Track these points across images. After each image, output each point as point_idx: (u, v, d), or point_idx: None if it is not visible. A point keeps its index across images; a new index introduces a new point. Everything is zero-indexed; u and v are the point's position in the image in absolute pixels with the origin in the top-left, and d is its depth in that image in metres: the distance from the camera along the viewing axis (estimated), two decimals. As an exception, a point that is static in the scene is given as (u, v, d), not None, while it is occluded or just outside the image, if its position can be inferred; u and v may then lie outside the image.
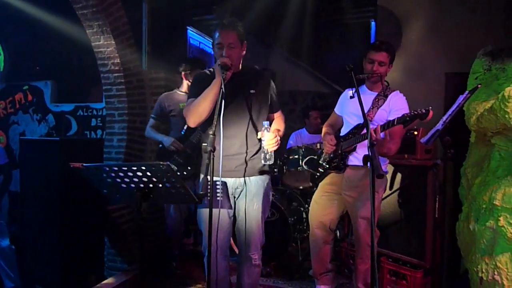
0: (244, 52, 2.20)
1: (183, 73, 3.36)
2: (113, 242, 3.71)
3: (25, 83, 5.29)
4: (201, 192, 1.75)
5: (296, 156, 3.42)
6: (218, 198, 2.10)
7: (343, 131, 2.68)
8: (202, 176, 2.04)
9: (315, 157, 3.32)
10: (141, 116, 3.80)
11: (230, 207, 2.23)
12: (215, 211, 2.01)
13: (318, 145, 3.49)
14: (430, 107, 2.03)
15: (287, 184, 3.71)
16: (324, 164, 2.71)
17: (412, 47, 3.65)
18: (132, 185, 1.82)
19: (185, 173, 3.16)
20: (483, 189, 2.39)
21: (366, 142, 1.93)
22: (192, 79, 2.45)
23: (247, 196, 2.22)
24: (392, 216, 3.05)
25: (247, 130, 2.19)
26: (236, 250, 3.03)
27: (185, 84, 3.39)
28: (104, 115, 3.99)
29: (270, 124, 2.30)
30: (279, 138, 2.08)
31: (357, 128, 2.53)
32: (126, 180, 1.80)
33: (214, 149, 1.81)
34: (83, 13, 3.44)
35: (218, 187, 2.10)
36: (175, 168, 2.97)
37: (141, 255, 2.32)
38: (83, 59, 4.41)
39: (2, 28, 5.14)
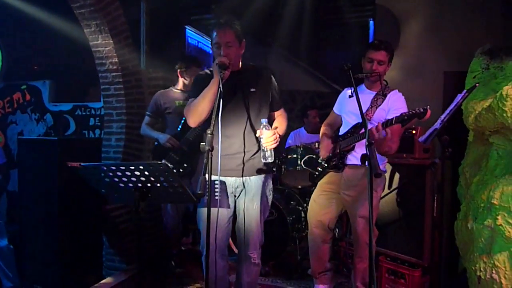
0: (243, 50, 2.20)
1: (178, 70, 3.36)
2: (112, 242, 3.71)
3: (23, 83, 5.28)
4: (199, 192, 1.74)
5: (295, 155, 3.42)
6: (216, 198, 2.10)
7: (342, 130, 2.68)
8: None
9: (314, 156, 3.32)
10: (139, 116, 3.79)
11: (229, 206, 2.22)
12: (213, 210, 2.01)
13: (316, 144, 3.49)
14: (428, 106, 2.03)
15: (286, 183, 3.71)
16: (322, 163, 2.71)
17: (410, 46, 3.65)
18: (130, 185, 1.82)
19: (181, 170, 3.16)
20: (481, 188, 2.39)
21: (364, 141, 1.93)
22: (193, 79, 2.45)
23: (247, 195, 2.22)
24: (390, 215, 3.06)
25: (247, 129, 2.19)
26: (235, 250, 3.03)
27: (181, 81, 3.39)
28: (102, 114, 3.98)
29: (272, 123, 2.30)
30: (278, 135, 2.07)
31: (356, 127, 2.53)
32: (124, 179, 1.80)
33: (212, 149, 1.80)
34: (81, 13, 3.44)
35: (216, 186, 2.10)
36: (171, 165, 2.98)
37: (140, 255, 2.32)
38: (81, 59, 4.40)
39: (0, 28, 5.12)
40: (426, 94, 3.36)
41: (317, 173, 2.78)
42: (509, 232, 2.10)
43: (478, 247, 2.26)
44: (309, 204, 2.80)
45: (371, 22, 4.22)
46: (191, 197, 1.84)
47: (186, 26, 4.54)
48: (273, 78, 2.31)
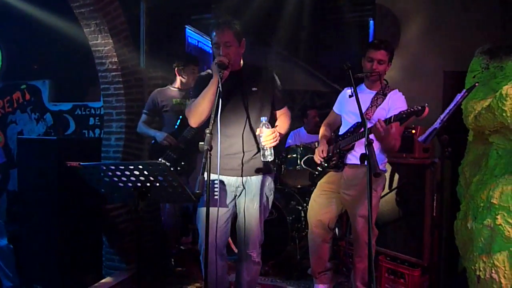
0: (243, 50, 2.19)
1: (176, 69, 3.36)
2: (111, 241, 3.71)
3: (23, 82, 5.28)
4: (198, 191, 1.74)
5: (295, 155, 3.42)
6: (215, 197, 2.10)
7: (342, 130, 2.68)
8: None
9: (314, 156, 3.32)
10: (139, 115, 3.78)
11: (228, 206, 2.22)
12: (213, 209, 2.01)
13: (316, 144, 3.48)
14: (426, 104, 2.03)
15: (286, 183, 3.71)
16: (322, 163, 2.71)
17: (410, 45, 3.65)
18: (130, 184, 1.82)
19: (178, 168, 3.15)
20: (481, 188, 2.39)
21: (364, 140, 1.94)
22: (195, 79, 2.45)
23: (247, 195, 2.22)
24: (390, 215, 3.05)
25: (248, 128, 2.18)
26: (235, 249, 3.03)
27: (178, 80, 3.38)
28: (102, 114, 3.98)
29: (275, 121, 2.30)
30: (278, 134, 2.06)
31: (356, 127, 2.53)
32: (124, 179, 1.80)
33: (211, 148, 1.80)
34: (81, 12, 3.44)
35: (216, 186, 2.10)
36: (169, 164, 2.99)
37: (139, 254, 2.32)
38: (81, 58, 4.40)
39: (0, 28, 5.12)
40: (425, 93, 3.35)
41: (317, 172, 2.78)
42: (508, 231, 2.10)
43: (478, 246, 2.26)
44: (309, 203, 2.80)
45: (371, 22, 4.21)
46: (190, 196, 1.84)
47: (186, 26, 4.54)
48: (275, 76, 2.30)
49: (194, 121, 2.15)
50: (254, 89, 2.19)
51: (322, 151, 2.60)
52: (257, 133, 2.09)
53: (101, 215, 3.61)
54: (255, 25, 4.21)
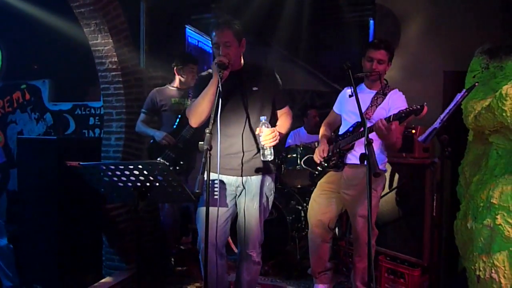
0: (243, 49, 2.19)
1: (175, 68, 3.35)
2: (111, 241, 3.71)
3: (23, 82, 5.28)
4: (197, 191, 1.74)
5: (295, 155, 3.42)
6: (216, 197, 2.10)
7: (342, 130, 2.68)
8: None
9: (314, 155, 3.32)
10: (139, 115, 3.79)
11: (227, 205, 2.22)
12: (213, 209, 2.01)
13: (316, 144, 3.48)
14: (425, 103, 2.04)
15: (286, 182, 3.71)
16: (322, 162, 2.70)
17: (410, 45, 3.65)
18: (129, 184, 1.82)
19: (177, 168, 3.15)
20: (481, 188, 2.39)
21: (363, 139, 1.94)
22: (196, 79, 2.45)
23: (247, 195, 2.22)
24: (390, 215, 3.05)
25: (248, 128, 2.18)
26: (235, 249, 3.03)
27: (177, 79, 3.38)
28: (102, 113, 3.98)
29: (276, 121, 2.29)
30: (277, 133, 2.05)
31: (355, 126, 2.53)
32: (123, 178, 1.80)
33: (210, 148, 1.80)
34: (80, 12, 3.43)
35: (216, 185, 2.10)
36: (168, 163, 2.99)
37: (139, 254, 2.33)
38: (81, 58, 4.40)
39: (0, 27, 5.12)
40: (425, 93, 3.34)
41: (316, 172, 2.78)
42: (508, 231, 2.10)
43: (478, 246, 2.26)
44: (309, 203, 2.80)
45: (371, 22, 4.21)
46: (189, 196, 1.84)
47: (186, 26, 4.54)
48: (276, 76, 2.30)
49: (195, 121, 2.15)
50: (254, 88, 2.19)
51: (323, 151, 2.60)
52: (256, 133, 2.09)
53: (101, 215, 3.61)
54: (255, 25, 4.21)
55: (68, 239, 3.55)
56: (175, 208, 3.39)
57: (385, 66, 2.49)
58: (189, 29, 4.59)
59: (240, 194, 2.25)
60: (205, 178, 1.79)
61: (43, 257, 3.63)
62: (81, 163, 1.79)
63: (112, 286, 3.19)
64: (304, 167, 3.33)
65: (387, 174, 3.00)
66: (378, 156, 2.36)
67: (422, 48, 3.60)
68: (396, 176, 3.06)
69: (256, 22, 4.07)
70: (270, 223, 3.17)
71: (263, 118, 2.05)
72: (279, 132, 2.09)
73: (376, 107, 2.50)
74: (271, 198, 2.33)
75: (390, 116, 2.16)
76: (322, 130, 2.76)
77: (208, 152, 1.79)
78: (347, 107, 2.62)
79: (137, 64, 3.82)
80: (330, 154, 2.64)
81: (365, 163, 1.72)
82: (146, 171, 1.74)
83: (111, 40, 3.53)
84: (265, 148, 2.04)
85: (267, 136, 2.01)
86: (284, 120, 2.32)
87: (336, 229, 3.39)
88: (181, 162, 3.18)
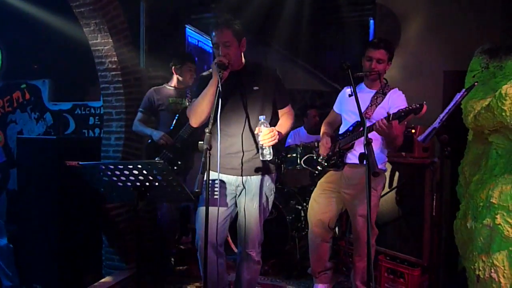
0: (244, 49, 2.18)
1: (173, 67, 3.34)
2: (111, 241, 3.71)
3: (23, 82, 5.28)
4: (197, 190, 1.74)
5: (294, 155, 3.42)
6: (215, 197, 2.10)
7: (342, 129, 2.68)
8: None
9: (313, 155, 3.32)
10: (138, 115, 3.80)
11: (227, 205, 2.22)
12: (213, 209, 2.01)
13: (316, 143, 3.49)
14: (424, 102, 2.04)
15: (286, 182, 3.71)
16: (322, 162, 2.71)
17: (410, 45, 3.65)
18: (129, 184, 1.83)
19: (175, 167, 3.15)
20: (481, 187, 2.39)
21: (363, 139, 1.94)
22: (196, 79, 2.45)
23: (247, 195, 2.22)
24: (390, 214, 3.06)
25: (249, 128, 2.18)
26: (234, 249, 3.03)
27: (175, 78, 3.37)
28: (102, 113, 3.98)
29: (277, 120, 2.29)
30: (276, 133, 2.04)
31: (355, 126, 2.53)
32: (123, 178, 1.80)
33: (210, 147, 1.80)
34: (80, 11, 3.44)
35: (216, 185, 2.10)
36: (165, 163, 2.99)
37: (139, 254, 2.33)
38: (80, 58, 4.40)
39: (0, 27, 5.12)
40: (425, 93, 3.34)
41: (316, 172, 2.78)
42: (507, 231, 2.10)
43: (477, 246, 2.26)
44: (309, 203, 2.80)
45: (371, 22, 4.21)
46: (189, 195, 1.84)
47: (186, 25, 4.54)
48: (278, 75, 2.30)
49: (195, 121, 2.16)
50: (255, 88, 2.18)
51: (326, 142, 2.59)
52: (255, 132, 2.08)
53: (100, 214, 3.61)
54: (255, 25, 4.21)
55: (68, 239, 3.56)
56: (173, 207, 3.39)
57: (385, 66, 2.49)
58: (189, 29, 4.59)
59: (240, 193, 2.25)
60: (205, 178, 1.79)
61: (43, 256, 3.64)
62: (80, 162, 1.80)
63: (112, 286, 3.19)
64: (304, 166, 3.33)
65: (387, 174, 3.00)
66: (378, 156, 2.36)
67: (422, 48, 3.60)
68: (396, 175, 3.06)
69: (256, 22, 4.08)
70: (270, 222, 3.18)
71: (262, 118, 2.04)
72: (278, 132, 2.08)
73: (376, 106, 2.50)
74: (271, 198, 2.32)
75: (390, 115, 2.15)
76: (323, 129, 2.76)
77: (208, 151, 1.79)
78: (347, 107, 2.62)
79: (137, 64, 3.83)
80: (330, 153, 2.64)
81: (364, 162, 1.72)
82: (146, 171, 1.74)
83: (111, 40, 3.53)
84: (263, 147, 2.04)
85: (266, 135, 2.01)
86: (284, 120, 2.32)
87: (336, 229, 3.39)
88: (179, 162, 3.18)
